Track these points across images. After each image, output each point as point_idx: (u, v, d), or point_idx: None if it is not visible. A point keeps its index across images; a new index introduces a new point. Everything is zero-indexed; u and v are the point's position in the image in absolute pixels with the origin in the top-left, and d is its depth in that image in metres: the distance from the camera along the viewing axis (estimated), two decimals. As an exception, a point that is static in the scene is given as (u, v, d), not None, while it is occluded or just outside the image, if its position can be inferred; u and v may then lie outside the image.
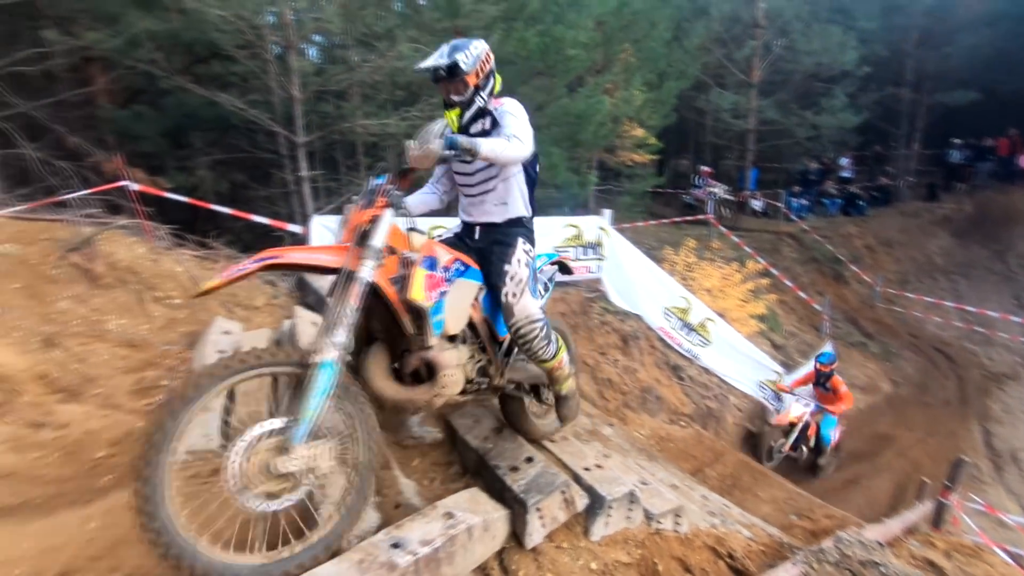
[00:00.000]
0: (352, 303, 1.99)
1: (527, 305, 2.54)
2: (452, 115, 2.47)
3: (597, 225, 8.01)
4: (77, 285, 4.40)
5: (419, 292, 2.14)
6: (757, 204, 16.14)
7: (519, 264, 2.54)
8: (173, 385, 1.89)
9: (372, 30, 6.52)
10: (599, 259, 8.15)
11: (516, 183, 2.60)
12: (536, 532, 2.55)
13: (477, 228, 2.68)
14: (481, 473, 2.92)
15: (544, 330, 2.59)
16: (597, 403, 6.97)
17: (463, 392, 2.50)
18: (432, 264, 2.25)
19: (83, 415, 3.02)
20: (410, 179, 2.28)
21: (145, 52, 6.31)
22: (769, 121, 15.37)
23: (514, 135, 2.29)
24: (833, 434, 8.06)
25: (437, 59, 2.38)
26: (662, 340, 8.51)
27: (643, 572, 2.83)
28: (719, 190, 15.08)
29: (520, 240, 2.60)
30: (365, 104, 7.25)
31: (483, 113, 2.50)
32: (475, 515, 2.36)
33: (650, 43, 10.94)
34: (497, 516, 2.50)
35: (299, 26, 6.07)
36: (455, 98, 2.44)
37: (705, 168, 16.25)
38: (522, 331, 2.54)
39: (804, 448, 8.01)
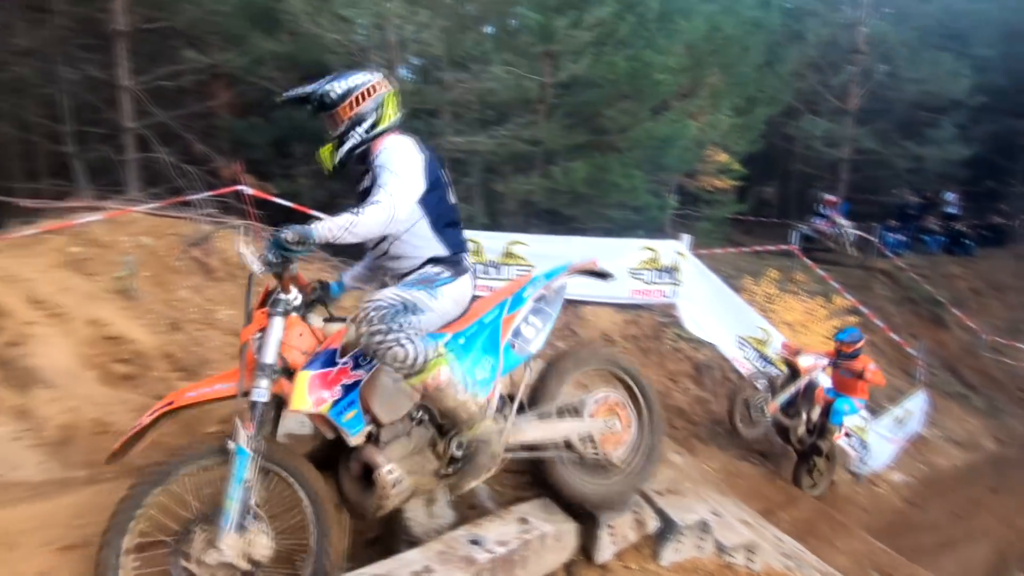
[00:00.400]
0: (247, 427, 1.84)
1: (378, 296, 2.04)
2: (325, 151, 2.19)
3: (674, 250, 7.89)
4: (195, 276, 4.90)
5: (300, 400, 1.90)
6: (805, 230, 15.20)
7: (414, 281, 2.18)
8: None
9: (469, 53, 6.86)
10: (674, 284, 8.02)
11: (413, 233, 2.19)
12: (606, 549, 2.57)
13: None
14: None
15: (386, 317, 1.93)
16: (665, 432, 6.82)
17: (443, 476, 2.12)
18: (328, 359, 1.99)
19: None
20: (288, 278, 1.99)
21: (265, 70, 6.94)
22: (865, 151, 14.57)
23: (374, 200, 1.94)
24: (850, 417, 6.04)
25: (310, 87, 2.14)
26: (736, 372, 8.21)
27: (714, 606, 2.77)
28: (847, 224, 13.27)
29: (428, 267, 2.22)
30: (455, 122, 7.62)
31: (364, 154, 2.17)
32: (548, 523, 2.42)
33: (740, 68, 10.74)
34: (568, 528, 2.54)
35: (402, 47, 6.50)
36: (330, 132, 2.18)
37: (829, 197, 14.25)
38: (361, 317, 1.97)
39: (805, 416, 5.88)
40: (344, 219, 1.88)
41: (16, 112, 7.30)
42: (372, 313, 1.93)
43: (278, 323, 1.95)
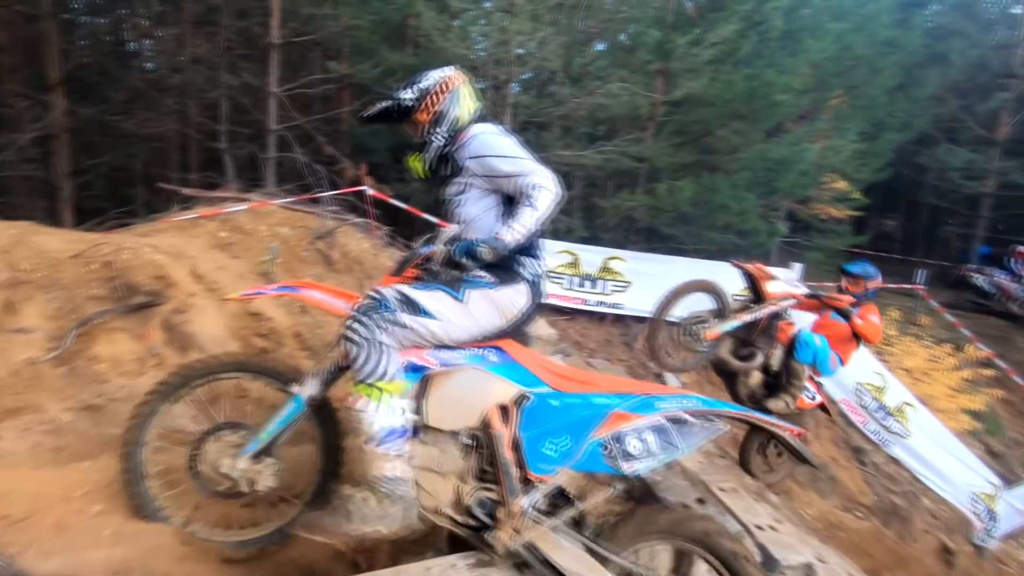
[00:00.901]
0: (337, 357, 1.97)
1: (383, 288, 1.90)
2: (413, 160, 2.09)
3: (783, 278, 7.49)
4: (318, 266, 5.34)
5: None
6: (982, 281, 13.68)
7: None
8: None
9: (584, 69, 6.97)
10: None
11: (482, 224, 1.98)
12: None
13: None
14: (646, 501, 2.94)
15: (366, 309, 1.81)
16: (759, 469, 6.45)
17: (452, 519, 1.85)
18: None
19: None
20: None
21: (390, 81, 7.45)
22: (1013, 185, 13.04)
23: (535, 193, 1.80)
24: (824, 359, 4.03)
25: (387, 100, 2.08)
26: (844, 416, 7.60)
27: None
28: None
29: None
30: (564, 136, 7.75)
31: (446, 155, 2.04)
32: (645, 540, 2.39)
33: (869, 90, 10.03)
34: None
35: (521, 63, 6.75)
36: (413, 138, 2.09)
37: (1022, 248, 12.51)
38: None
39: (762, 359, 3.95)
40: (526, 217, 1.79)
41: (180, 111, 8.39)
42: (361, 301, 1.84)
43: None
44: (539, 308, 2.05)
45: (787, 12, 8.06)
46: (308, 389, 1.98)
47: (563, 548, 1.81)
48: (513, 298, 1.95)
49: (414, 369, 1.87)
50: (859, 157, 11.24)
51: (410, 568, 1.82)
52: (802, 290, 4.31)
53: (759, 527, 2.91)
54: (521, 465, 1.79)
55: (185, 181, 7.41)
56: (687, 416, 1.85)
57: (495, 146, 1.94)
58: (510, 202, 1.93)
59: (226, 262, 4.07)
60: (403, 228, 8.16)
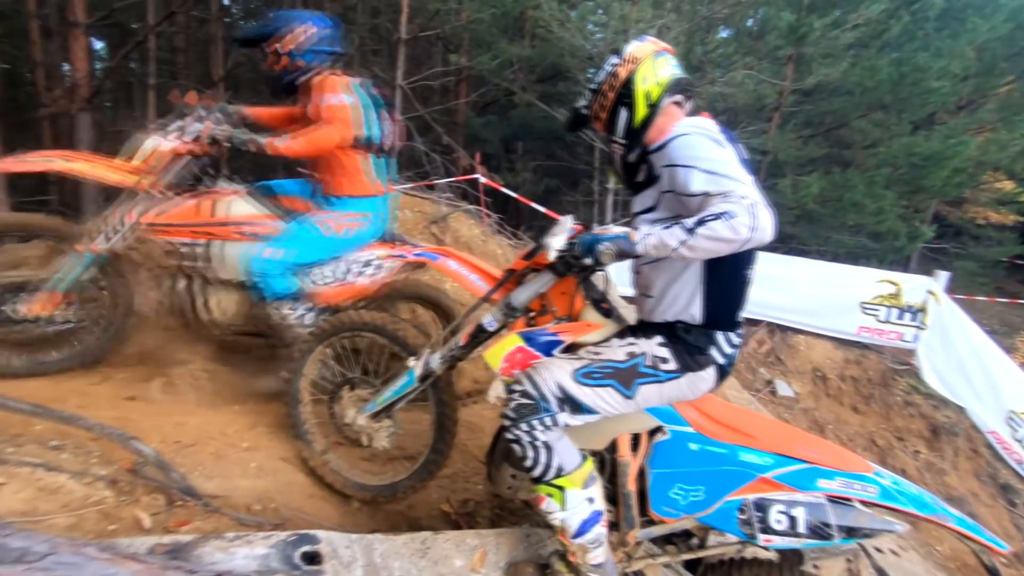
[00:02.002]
0: (461, 339, 1.91)
1: (545, 372, 1.65)
2: (611, 174, 1.89)
3: (925, 288, 6.70)
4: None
5: (493, 356, 1.66)
6: None
7: (620, 346, 1.66)
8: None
9: (708, 56, 6.67)
10: (918, 327, 6.82)
11: (685, 274, 1.58)
12: (809, 591, 2.35)
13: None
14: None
15: (521, 409, 1.63)
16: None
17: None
18: (548, 346, 1.67)
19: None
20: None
21: (507, 73, 7.62)
22: None
23: (719, 211, 1.30)
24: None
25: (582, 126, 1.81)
26: (991, 448, 6.68)
27: None
28: None
29: (656, 339, 1.62)
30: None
31: (639, 160, 1.64)
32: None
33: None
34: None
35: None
36: (607, 148, 1.77)
37: None
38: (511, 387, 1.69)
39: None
40: (678, 237, 1.33)
41: (319, 104, 9.20)
42: (515, 396, 1.62)
43: (548, 277, 1.71)
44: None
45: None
46: (420, 366, 2.00)
47: None
48: (695, 386, 1.61)
49: None
50: (1032, 153, 9.72)
51: (512, 532, 1.91)
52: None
53: (879, 550, 2.69)
54: (643, 499, 1.69)
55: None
56: (857, 504, 1.59)
57: (698, 155, 1.40)
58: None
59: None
60: (511, 217, 8.38)
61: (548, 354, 1.67)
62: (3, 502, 1.48)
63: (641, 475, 1.71)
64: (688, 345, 1.57)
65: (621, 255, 1.45)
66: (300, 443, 2.35)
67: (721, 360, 1.58)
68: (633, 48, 1.61)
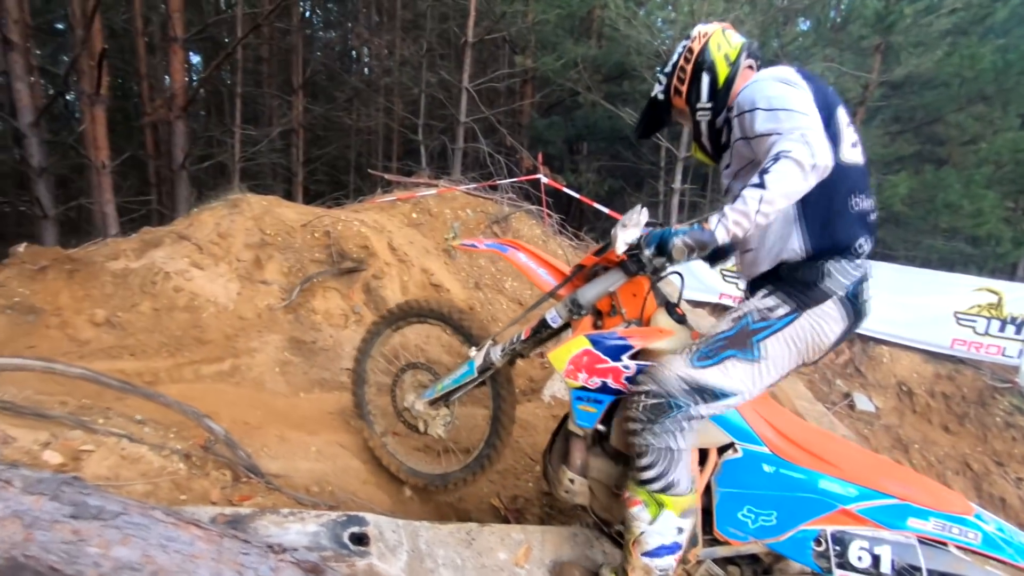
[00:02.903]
0: (523, 333, 1.89)
1: (663, 370, 1.54)
2: (696, 152, 1.82)
3: (1031, 297, 6.05)
4: (493, 249, 5.69)
5: (558, 358, 1.66)
6: None
7: (723, 318, 1.61)
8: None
9: (785, 50, 6.34)
10: (1022, 341, 6.16)
11: (784, 216, 1.52)
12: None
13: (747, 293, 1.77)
14: None
15: (652, 409, 1.50)
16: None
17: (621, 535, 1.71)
18: (616, 350, 1.62)
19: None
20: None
21: (572, 73, 7.58)
22: None
23: (774, 155, 1.29)
24: None
25: (644, 111, 1.83)
26: (1111, 480, 5.92)
27: None
28: None
29: (764, 293, 1.55)
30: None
31: (724, 124, 1.62)
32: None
33: None
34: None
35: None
36: (690, 128, 1.77)
37: None
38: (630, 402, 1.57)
39: None
40: (751, 199, 1.29)
41: (388, 108, 9.55)
42: (642, 399, 1.52)
43: (618, 275, 1.68)
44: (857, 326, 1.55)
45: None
46: (480, 357, 1.97)
47: None
48: (821, 327, 1.49)
49: (610, 391, 1.65)
50: None
51: (558, 530, 1.89)
52: None
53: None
54: (708, 518, 1.61)
55: (388, 169, 8.43)
56: (954, 549, 1.43)
57: (763, 95, 1.40)
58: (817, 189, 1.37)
59: (416, 238, 4.56)
60: (573, 218, 8.33)
61: (616, 359, 1.62)
62: (91, 467, 1.63)
63: (708, 492, 1.62)
64: (795, 282, 1.49)
65: (700, 248, 1.37)
66: (362, 423, 2.42)
67: (841, 291, 1.47)
68: (701, 27, 1.66)
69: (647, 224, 1.66)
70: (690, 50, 1.63)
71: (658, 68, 1.83)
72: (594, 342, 1.65)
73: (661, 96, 1.72)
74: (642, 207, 1.66)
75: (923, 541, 1.45)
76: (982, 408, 6.14)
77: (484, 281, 4.90)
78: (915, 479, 1.57)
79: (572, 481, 1.78)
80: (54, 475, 1.17)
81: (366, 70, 11.38)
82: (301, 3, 10.05)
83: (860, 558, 1.46)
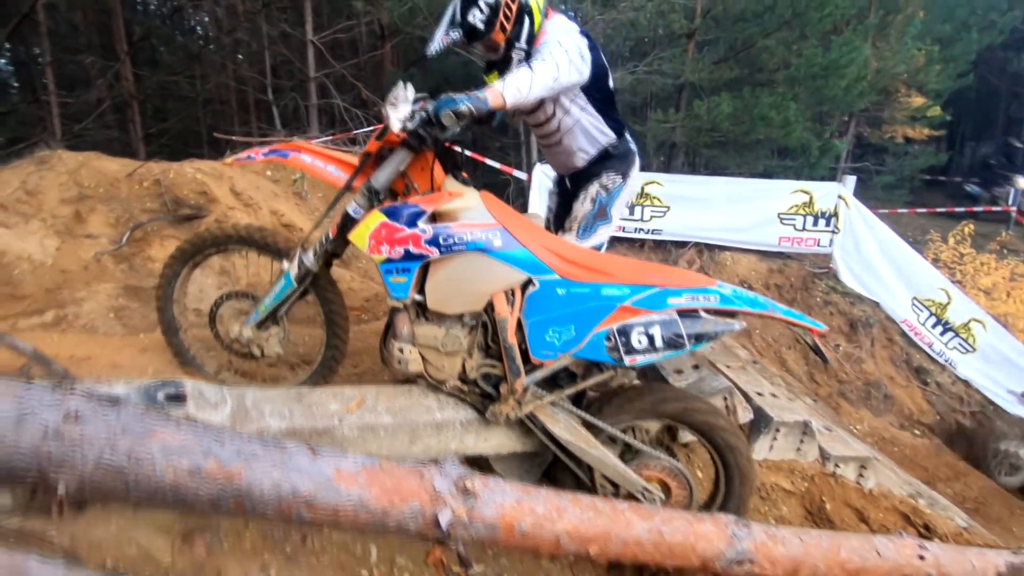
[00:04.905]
0: (330, 232, 1.96)
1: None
2: (492, 78, 2.14)
3: (836, 193, 7.09)
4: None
5: (359, 237, 1.82)
6: None
7: (583, 201, 2.33)
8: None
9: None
10: (832, 232, 7.23)
11: (583, 121, 2.24)
12: (689, 427, 2.58)
13: (566, 180, 2.49)
14: (647, 375, 3.05)
15: None
16: (805, 384, 6.33)
17: (460, 388, 1.94)
18: (411, 217, 1.78)
19: (348, 278, 3.98)
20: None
21: (420, 20, 7.53)
22: None
23: (539, 59, 1.88)
24: None
25: (448, 29, 2.05)
26: (905, 336, 7.21)
27: (807, 505, 2.66)
28: None
29: (600, 175, 2.33)
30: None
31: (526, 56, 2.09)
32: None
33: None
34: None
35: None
36: (492, 57, 2.16)
37: None
38: None
39: None
40: (521, 78, 1.80)
41: (235, 69, 8.94)
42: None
43: (403, 154, 1.82)
44: None
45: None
46: (295, 267, 2.01)
47: (560, 421, 1.90)
48: (634, 183, 2.40)
49: (413, 257, 1.79)
50: (934, 66, 10.21)
51: (394, 387, 2.00)
52: None
53: (759, 393, 2.95)
54: (524, 348, 1.84)
55: (248, 132, 7.94)
56: (700, 313, 1.80)
57: (549, 38, 1.98)
58: (599, 103, 2.21)
59: (262, 183, 4.44)
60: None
61: (413, 225, 1.77)
62: None
63: (520, 328, 1.85)
64: (616, 158, 2.33)
65: (474, 114, 1.67)
66: (191, 368, 2.34)
67: (635, 149, 2.39)
68: None
69: (418, 99, 1.87)
70: None
71: None
72: (388, 214, 1.79)
73: (481, 26, 2.00)
74: (406, 83, 1.85)
75: (681, 313, 1.80)
76: (806, 292, 7.16)
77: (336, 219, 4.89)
78: (670, 271, 1.91)
79: (402, 351, 1.90)
80: None
81: (205, 30, 10.47)
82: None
83: (640, 341, 1.78)
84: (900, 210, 10.15)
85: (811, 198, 7.17)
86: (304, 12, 7.12)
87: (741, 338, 5.84)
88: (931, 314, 7.26)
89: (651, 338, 1.78)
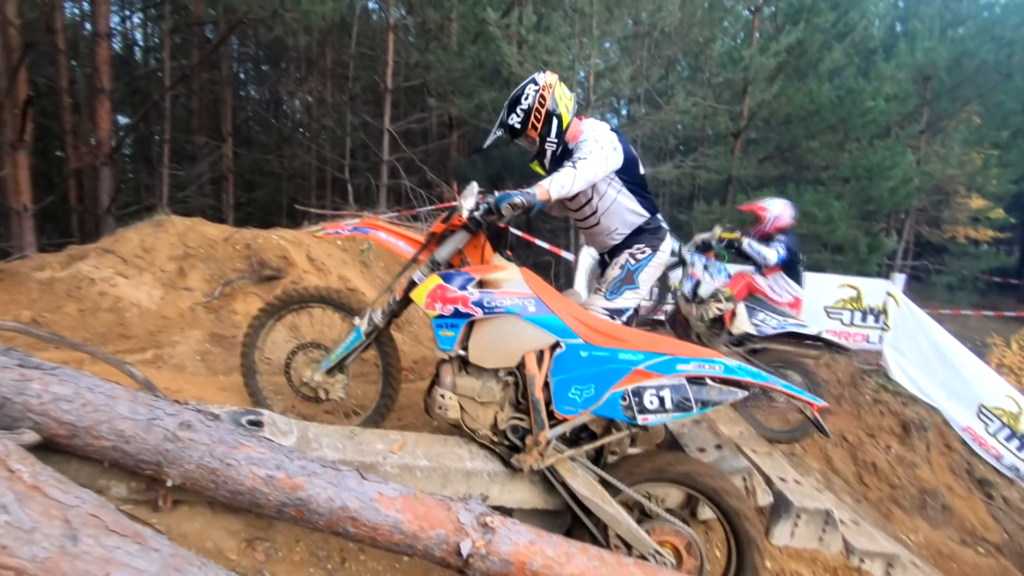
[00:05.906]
0: (397, 295, 2.30)
1: (592, 303, 2.57)
2: (536, 166, 2.63)
3: (884, 290, 7.06)
4: (413, 268, 6.17)
5: (419, 294, 2.15)
6: None
7: (613, 267, 2.65)
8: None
9: (655, 87, 7.37)
10: (882, 329, 7.13)
11: (618, 204, 2.62)
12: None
13: (605, 256, 2.82)
14: (672, 449, 3.17)
15: None
16: (853, 485, 6.05)
17: (491, 438, 2.18)
18: (462, 282, 2.12)
19: (400, 339, 4.35)
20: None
21: (485, 115, 8.38)
22: None
23: (577, 158, 2.29)
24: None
25: (497, 128, 2.56)
26: (965, 443, 6.83)
27: (828, 596, 2.64)
28: None
29: (631, 246, 2.67)
30: (644, 153, 8.11)
31: (564, 154, 2.51)
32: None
33: (998, 96, 9.24)
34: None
35: (597, 87, 7.33)
36: (531, 148, 2.61)
37: None
38: None
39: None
40: (565, 176, 2.22)
41: (319, 151, 10.07)
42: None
43: (462, 235, 2.21)
44: None
45: (886, 20, 7.87)
46: (365, 323, 2.33)
47: (578, 475, 2.08)
48: (663, 257, 2.71)
49: (461, 315, 2.09)
50: (992, 168, 10.21)
51: (433, 435, 2.28)
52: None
53: (782, 479, 3.00)
54: (549, 404, 2.07)
55: (323, 206, 8.84)
56: (707, 379, 2.00)
57: (585, 136, 2.43)
58: (632, 185, 2.59)
59: (334, 251, 4.99)
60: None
61: (463, 288, 2.11)
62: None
63: (546, 385, 2.09)
64: (647, 233, 2.67)
65: (524, 206, 2.09)
66: (262, 408, 2.62)
67: (666, 227, 2.74)
68: (543, 77, 2.52)
69: (480, 191, 2.30)
70: (543, 97, 2.47)
71: (509, 101, 2.52)
72: (445, 278, 2.15)
73: (518, 125, 2.51)
74: (473, 183, 2.28)
75: (689, 379, 2.01)
76: (854, 389, 6.97)
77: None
78: (680, 343, 2.15)
79: (443, 396, 2.16)
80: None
81: (296, 116, 11.91)
82: (233, 62, 10.56)
83: (651, 402, 1.99)
84: (965, 311, 9.83)
85: (859, 293, 7.17)
86: (384, 104, 8.11)
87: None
88: (1003, 424, 6.86)
89: (662, 400, 1.99)
